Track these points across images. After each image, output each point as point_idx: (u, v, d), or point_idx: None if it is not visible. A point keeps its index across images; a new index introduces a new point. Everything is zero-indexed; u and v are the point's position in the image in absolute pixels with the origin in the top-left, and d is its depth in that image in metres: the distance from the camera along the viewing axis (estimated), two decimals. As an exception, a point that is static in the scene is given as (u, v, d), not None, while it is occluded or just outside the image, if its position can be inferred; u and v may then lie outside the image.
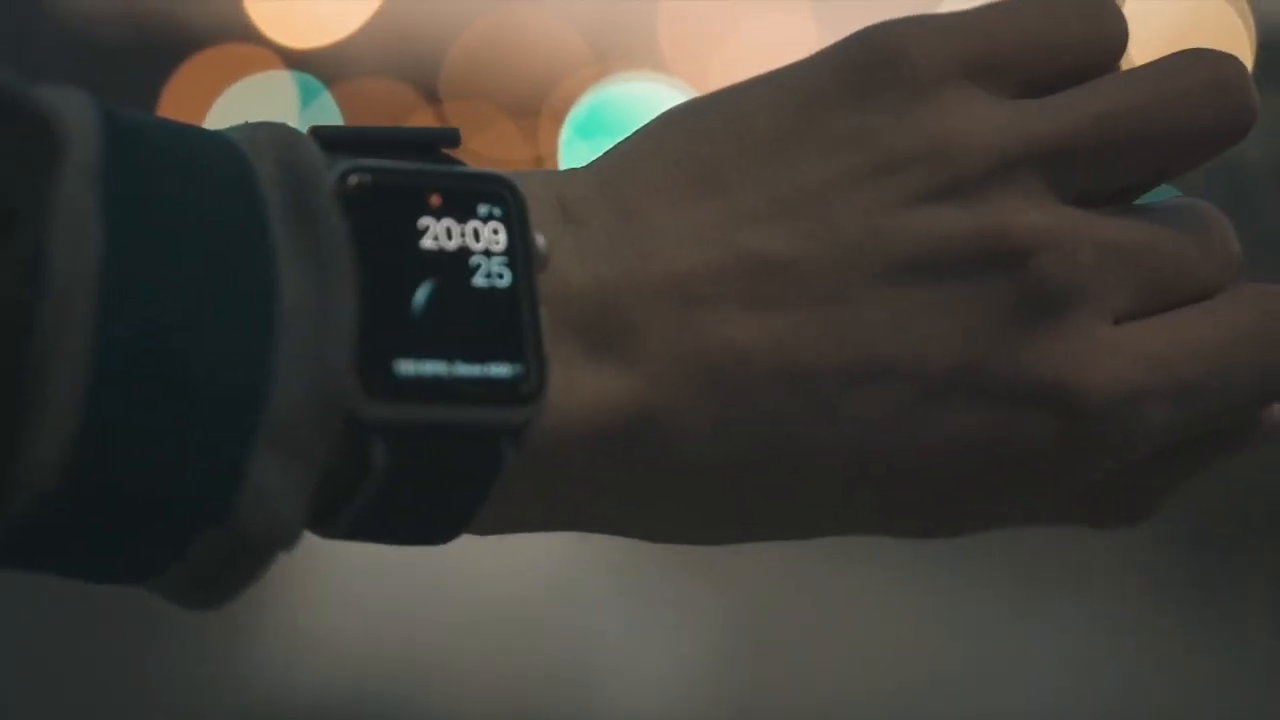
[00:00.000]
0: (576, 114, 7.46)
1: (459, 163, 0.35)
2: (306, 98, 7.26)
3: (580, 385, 0.34)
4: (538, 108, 7.68)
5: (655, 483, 0.36)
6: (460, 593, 2.70)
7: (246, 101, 7.10)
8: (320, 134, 0.34)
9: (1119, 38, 0.39)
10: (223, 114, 6.88)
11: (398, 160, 0.34)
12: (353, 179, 0.33)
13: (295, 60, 7.27)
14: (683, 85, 7.38)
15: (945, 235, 0.35)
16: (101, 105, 0.31)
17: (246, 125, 0.33)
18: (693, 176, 0.36)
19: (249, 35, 7.18)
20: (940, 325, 0.36)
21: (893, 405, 0.35)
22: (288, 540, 0.32)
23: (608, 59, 7.77)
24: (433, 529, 0.35)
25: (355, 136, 0.34)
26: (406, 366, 0.33)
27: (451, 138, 0.35)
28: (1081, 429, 0.36)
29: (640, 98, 7.33)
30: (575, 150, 7.38)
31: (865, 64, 0.37)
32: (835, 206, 0.35)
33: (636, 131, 0.37)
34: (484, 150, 8.01)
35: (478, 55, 7.77)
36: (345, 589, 2.78)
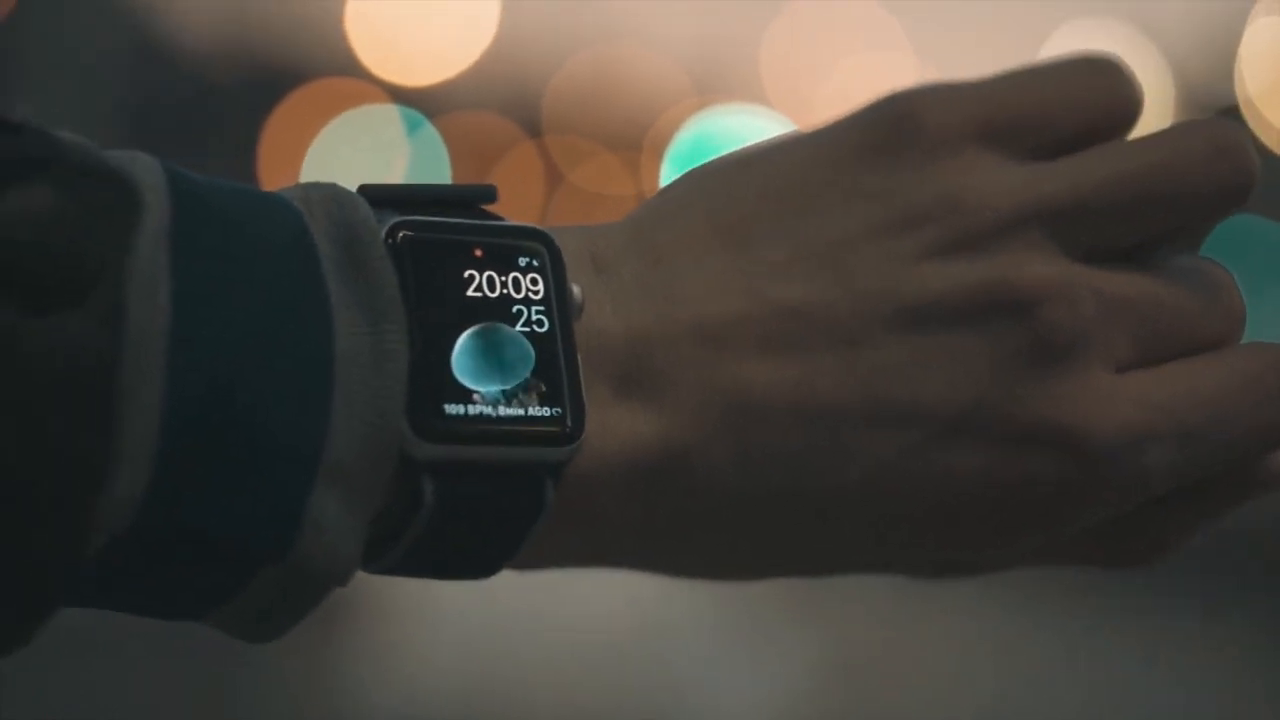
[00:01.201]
0: (678, 146, 7.50)
1: (498, 217, 0.37)
2: (410, 130, 7.36)
3: (614, 425, 0.36)
4: (639, 141, 7.74)
5: (684, 519, 0.38)
6: (551, 625, 2.71)
7: (351, 134, 7.20)
8: (368, 192, 0.36)
9: (1131, 104, 0.42)
10: (328, 144, 6.99)
11: (442, 215, 0.36)
12: (402, 234, 0.35)
13: (399, 94, 7.37)
14: (783, 117, 7.40)
15: (956, 286, 0.38)
16: (169, 168, 0.33)
17: (299, 186, 0.35)
18: (719, 230, 0.38)
19: (353, 70, 7.28)
20: (952, 370, 0.38)
21: (906, 446, 0.38)
22: (343, 575, 0.34)
23: (708, 91, 7.81)
24: (477, 564, 0.36)
25: (401, 194, 0.36)
26: (454, 409, 0.34)
27: (489, 194, 0.38)
28: (1086, 471, 0.38)
29: (741, 130, 7.36)
30: (676, 183, 7.38)
31: (885, 128, 0.39)
32: (853, 258, 0.38)
33: (665, 189, 0.40)
34: (585, 184, 8.07)
35: (579, 89, 7.83)
36: (436, 619, 2.80)
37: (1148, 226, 0.40)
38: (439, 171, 7.16)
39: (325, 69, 7.25)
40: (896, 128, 0.39)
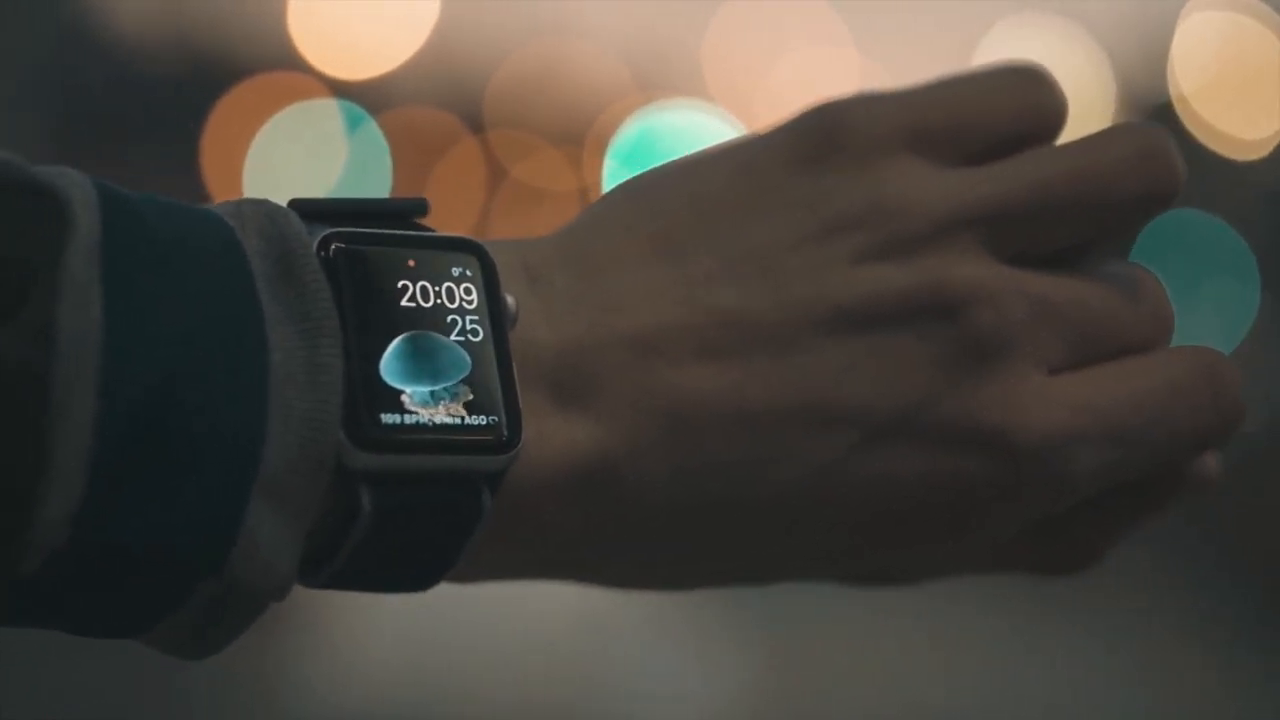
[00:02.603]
0: (620, 142, 7.48)
1: (430, 229, 0.37)
2: (352, 126, 7.31)
3: (551, 434, 0.37)
4: (581, 136, 7.71)
5: (623, 528, 0.38)
6: (493, 624, 2.71)
7: (292, 129, 7.15)
8: (300, 205, 0.36)
9: (1057, 110, 0.42)
10: (269, 141, 6.94)
11: (374, 228, 0.36)
12: (334, 246, 0.36)
13: (341, 89, 7.33)
14: (726, 113, 7.40)
15: (887, 289, 0.38)
16: (99, 183, 0.33)
17: (231, 201, 0.35)
18: (651, 240, 0.39)
19: (295, 64, 7.23)
20: (884, 373, 0.38)
21: (841, 449, 0.38)
22: (279, 590, 0.34)
23: (651, 87, 7.80)
24: (414, 577, 0.36)
25: (333, 207, 0.37)
26: (390, 418, 0.35)
27: (421, 207, 0.38)
28: (1016, 471, 0.39)
29: (684, 126, 7.35)
30: (620, 178, 7.38)
31: (815, 136, 0.40)
32: (784, 264, 0.39)
33: (596, 202, 0.40)
34: (528, 179, 8.04)
35: (521, 84, 7.80)
36: (381, 619, 2.79)
37: (1076, 230, 0.40)
38: (381, 167, 7.11)
39: (267, 63, 7.20)
40: (827, 136, 0.39)
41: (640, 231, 0.39)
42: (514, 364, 0.36)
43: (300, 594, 0.36)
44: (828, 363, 0.38)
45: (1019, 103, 0.41)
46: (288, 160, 7.07)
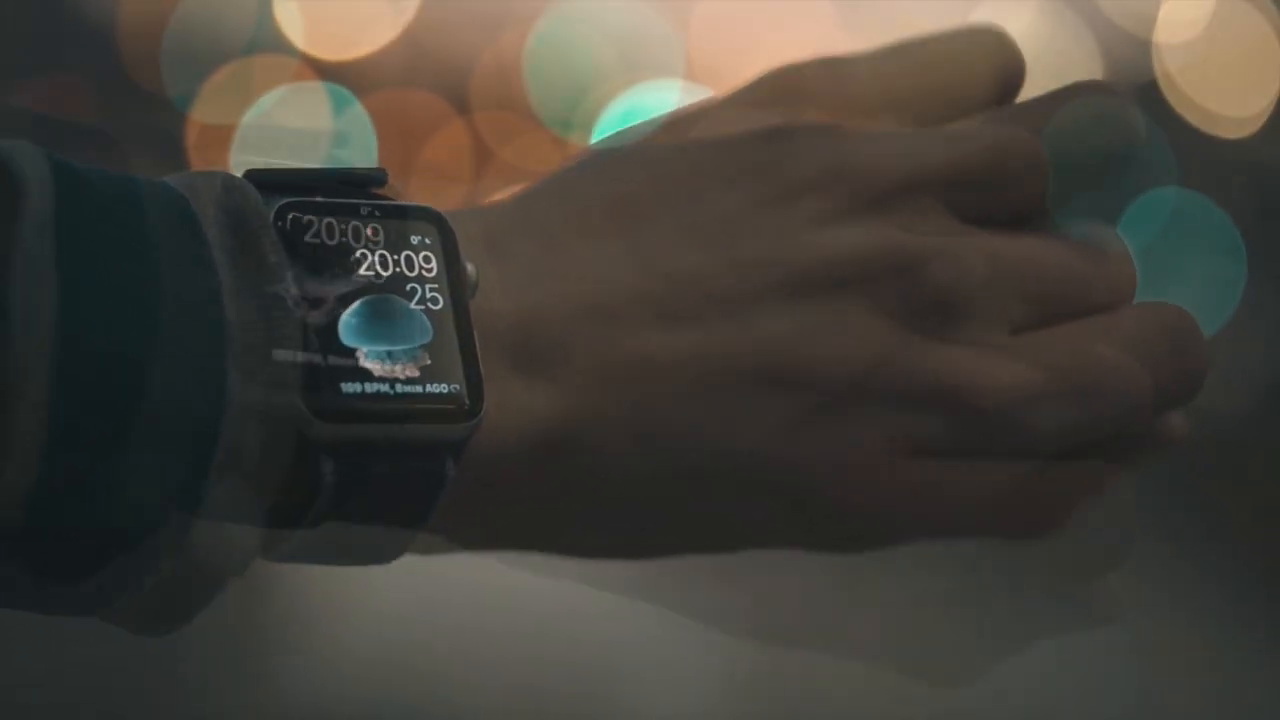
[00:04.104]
0: (607, 123, 7.45)
1: (389, 199, 0.37)
2: (338, 108, 7.28)
3: (512, 402, 0.37)
4: (569, 118, 7.68)
5: (585, 496, 0.39)
6: (479, 602, 2.71)
7: (278, 112, 7.12)
8: (256, 176, 0.36)
9: (1015, 70, 0.42)
10: (255, 124, 6.90)
11: (332, 198, 0.36)
12: (291, 215, 0.35)
13: (327, 72, 7.29)
14: (712, 94, 7.37)
15: (846, 251, 0.39)
16: (52, 157, 0.33)
17: (185, 174, 0.35)
18: (609, 208, 0.39)
19: (280, 47, 7.20)
20: (842, 335, 0.39)
21: (800, 411, 0.38)
22: (240, 566, 0.35)
23: (637, 68, 7.76)
24: (378, 548, 0.37)
25: (290, 177, 0.36)
26: (351, 388, 0.35)
27: (379, 178, 0.38)
28: (980, 430, 0.39)
29: (669, 106, 7.31)
30: (605, 160, 7.34)
31: (770, 101, 0.40)
32: (740, 230, 0.39)
33: (554, 171, 0.40)
34: (516, 160, 8.01)
35: (508, 66, 7.77)
36: (366, 597, 2.79)
37: (1036, 191, 0.40)
38: (367, 149, 7.09)
39: (252, 46, 7.16)
40: (784, 99, 0.39)
41: (598, 200, 0.39)
42: (475, 332, 0.36)
43: (278, 573, 0.36)
44: (784, 326, 0.38)
45: (976, 64, 0.41)
46: (275, 144, 7.04)
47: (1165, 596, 3.31)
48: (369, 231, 0.36)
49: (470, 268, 0.36)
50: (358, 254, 0.35)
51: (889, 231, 0.39)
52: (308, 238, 0.35)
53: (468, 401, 0.36)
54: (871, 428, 0.40)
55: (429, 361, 0.35)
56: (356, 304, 0.34)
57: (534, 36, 7.81)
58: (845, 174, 0.39)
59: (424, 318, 0.35)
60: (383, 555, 0.36)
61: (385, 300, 0.35)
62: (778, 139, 0.39)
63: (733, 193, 0.39)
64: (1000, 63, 0.42)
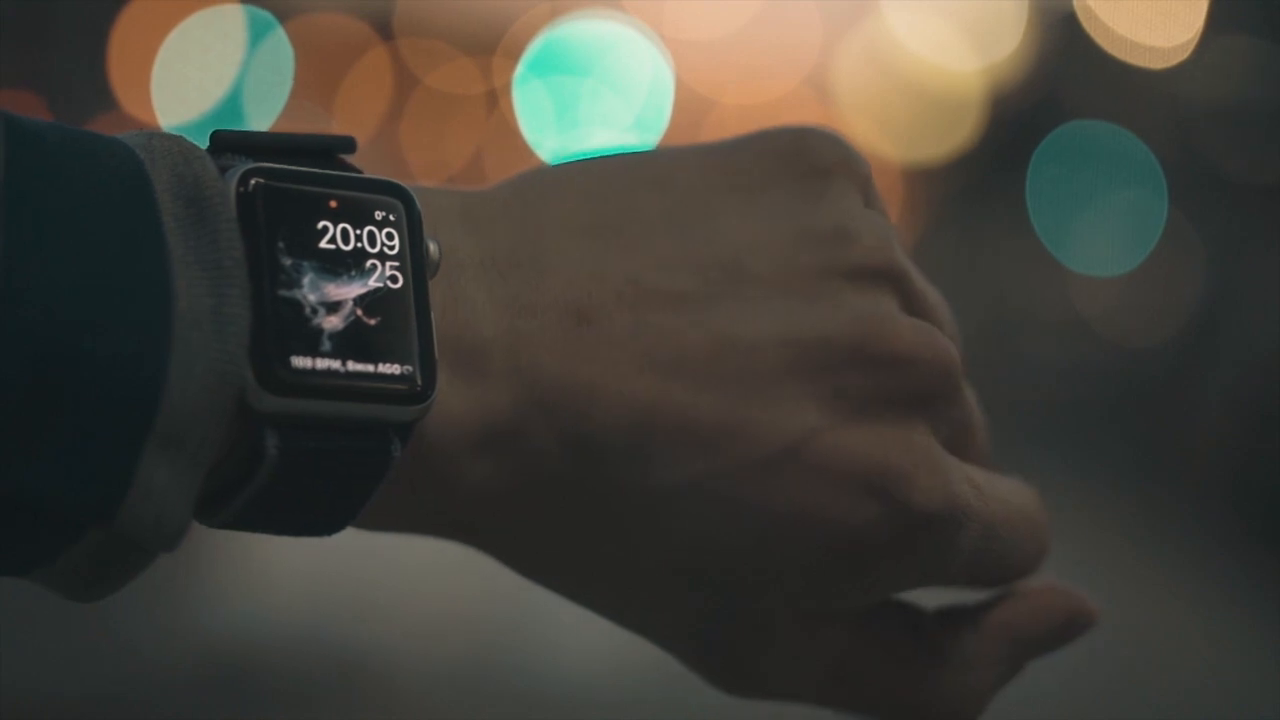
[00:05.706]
0: (531, 51, 7.42)
1: (356, 169, 0.36)
2: (257, 33, 7.20)
3: (465, 390, 0.36)
4: (493, 45, 7.64)
5: (520, 499, 0.37)
6: (421, 544, 2.71)
7: (197, 37, 7.03)
8: (222, 137, 0.35)
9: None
10: (174, 50, 6.82)
11: (296, 164, 0.35)
12: (254, 181, 0.34)
13: (247, -5, 7.20)
14: (639, 24, 7.35)
15: (842, 313, 0.37)
16: (4, 114, 0.32)
17: (144, 133, 0.34)
18: (607, 216, 0.38)
19: (200, -31, 7.10)
20: (802, 401, 0.38)
21: (735, 465, 0.37)
22: (172, 540, 0.33)
23: (564, -3, 7.72)
24: (317, 522, 0.35)
25: (256, 141, 0.35)
26: (301, 362, 0.33)
27: (348, 145, 0.36)
28: (904, 524, 0.38)
29: (595, 36, 7.29)
30: (529, 87, 7.34)
31: (784, 155, 0.40)
32: (744, 263, 0.38)
33: (558, 164, 0.39)
34: (439, 85, 7.96)
35: (432, -9, 7.70)
36: (296, 544, 2.78)
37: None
38: (284, 74, 7.02)
39: (171, -31, 7.06)
40: (796, 157, 0.39)
41: (598, 205, 0.38)
42: (434, 315, 0.35)
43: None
44: (749, 374, 0.37)
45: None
46: (195, 69, 6.96)
47: (1164, 595, 3.34)
48: (332, 203, 0.34)
49: (433, 247, 0.35)
50: (320, 225, 0.34)
51: (874, 314, 0.39)
52: (269, 204, 0.34)
53: (420, 384, 0.34)
54: (803, 496, 0.38)
55: (384, 341, 0.34)
56: (312, 276, 0.33)
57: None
58: (854, 238, 0.40)
59: (382, 300, 0.34)
60: (321, 528, 0.35)
61: (345, 287, 0.34)
62: (788, 190, 0.41)
63: (740, 228, 0.40)
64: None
